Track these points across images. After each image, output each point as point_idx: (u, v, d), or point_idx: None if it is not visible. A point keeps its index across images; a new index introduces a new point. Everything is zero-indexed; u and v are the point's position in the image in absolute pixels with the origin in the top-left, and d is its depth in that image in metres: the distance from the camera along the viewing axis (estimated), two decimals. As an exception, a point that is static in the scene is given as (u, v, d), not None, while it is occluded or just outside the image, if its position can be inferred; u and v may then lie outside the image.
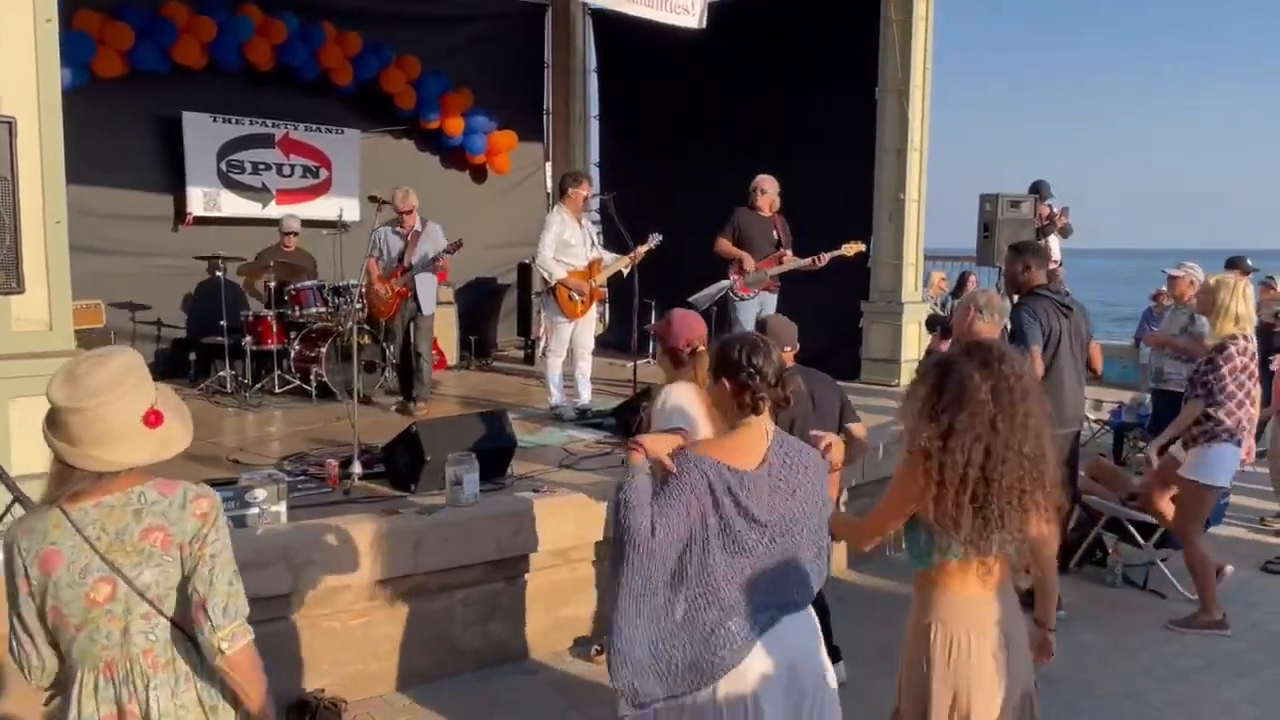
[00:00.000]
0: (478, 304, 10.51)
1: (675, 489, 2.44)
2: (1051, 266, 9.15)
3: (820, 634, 2.67)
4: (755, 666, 2.46)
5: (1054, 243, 9.22)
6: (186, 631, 2.05)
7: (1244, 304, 5.14)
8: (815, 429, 3.80)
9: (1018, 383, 2.34)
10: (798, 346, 4.31)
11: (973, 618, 2.44)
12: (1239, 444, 5.17)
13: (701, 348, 3.52)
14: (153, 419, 1.99)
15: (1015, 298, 5.30)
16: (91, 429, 1.93)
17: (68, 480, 1.96)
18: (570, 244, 6.98)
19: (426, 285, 7.48)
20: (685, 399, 3.38)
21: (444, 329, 9.36)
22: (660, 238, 7.20)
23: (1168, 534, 5.61)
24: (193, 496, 2.05)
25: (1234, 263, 9.04)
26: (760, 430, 2.56)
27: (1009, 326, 4.97)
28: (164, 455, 2.02)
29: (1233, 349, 5.12)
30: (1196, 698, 4.44)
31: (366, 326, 7.93)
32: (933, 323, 8.13)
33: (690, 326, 3.57)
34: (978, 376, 2.33)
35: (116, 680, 2.00)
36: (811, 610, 2.63)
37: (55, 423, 1.96)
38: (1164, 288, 8.79)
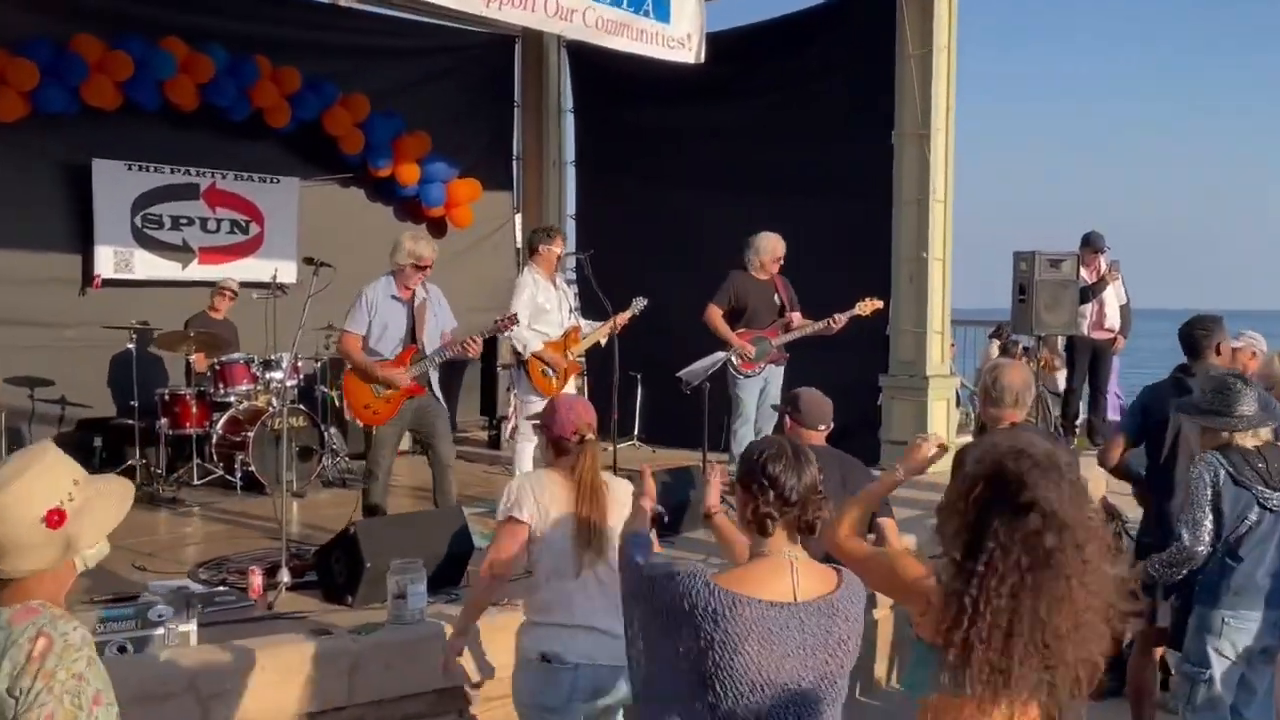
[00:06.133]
0: (434, 379, 10.48)
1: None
2: (1106, 335, 9.24)
3: None
4: None
5: (1112, 300, 9.29)
6: None
7: None
8: None
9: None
10: (831, 426, 4.37)
11: None
12: None
13: (590, 435, 3.55)
14: (53, 519, 2.02)
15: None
16: None
17: None
18: (545, 309, 6.99)
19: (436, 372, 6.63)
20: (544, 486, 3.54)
21: (394, 408, 9.32)
22: (645, 302, 7.22)
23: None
24: (33, 634, 1.96)
25: None
26: (781, 563, 2.48)
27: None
28: (70, 557, 2.06)
29: None
30: None
31: (301, 407, 7.88)
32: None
33: (578, 412, 3.61)
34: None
35: None
36: None
37: None
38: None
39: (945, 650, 2.27)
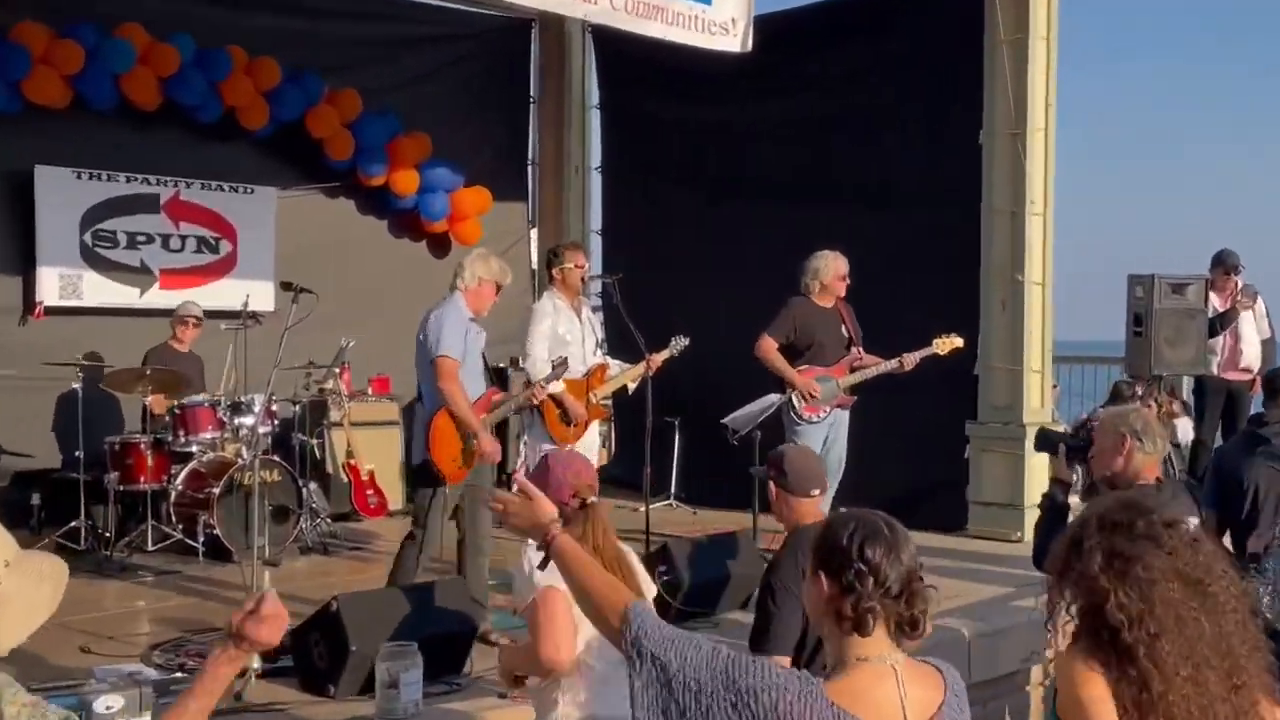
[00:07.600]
0: (433, 425, 10.45)
1: None
2: (1243, 376, 9.08)
3: None
4: None
5: (1250, 333, 9.17)
6: None
7: None
8: None
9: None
10: (826, 487, 4.41)
11: None
12: None
13: (593, 499, 3.59)
14: None
15: None
16: None
17: None
18: (566, 341, 6.93)
19: None
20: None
21: (385, 461, 9.27)
22: (686, 341, 7.20)
23: None
24: None
25: None
26: (884, 671, 2.36)
27: None
28: None
29: None
30: None
31: (275, 459, 7.86)
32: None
33: (576, 471, 3.67)
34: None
35: None
36: None
37: None
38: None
39: None
